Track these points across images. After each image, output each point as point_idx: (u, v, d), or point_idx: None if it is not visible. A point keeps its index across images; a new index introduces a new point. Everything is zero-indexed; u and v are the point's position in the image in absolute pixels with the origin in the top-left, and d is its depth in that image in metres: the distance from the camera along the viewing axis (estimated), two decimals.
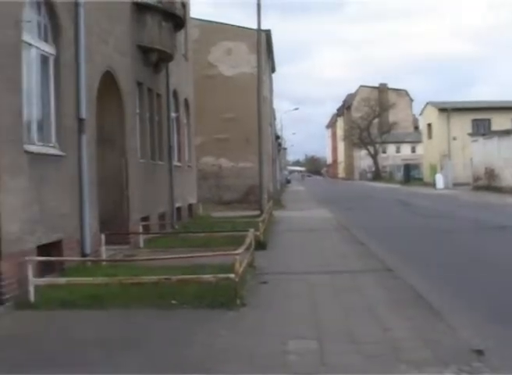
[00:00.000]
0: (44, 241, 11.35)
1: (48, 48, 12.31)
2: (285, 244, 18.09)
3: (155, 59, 19.98)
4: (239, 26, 41.08)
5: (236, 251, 10.17)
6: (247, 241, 12.15)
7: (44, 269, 11.09)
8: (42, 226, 11.23)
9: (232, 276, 9.61)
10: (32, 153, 10.96)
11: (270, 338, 7.74)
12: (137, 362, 6.90)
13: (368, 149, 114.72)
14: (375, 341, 7.50)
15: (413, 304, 9.56)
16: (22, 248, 10.27)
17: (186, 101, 27.61)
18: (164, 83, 22.27)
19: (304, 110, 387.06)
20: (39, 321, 9.14)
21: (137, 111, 18.99)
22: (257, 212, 26.38)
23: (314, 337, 7.72)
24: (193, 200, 28.40)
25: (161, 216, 21.06)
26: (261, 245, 15.82)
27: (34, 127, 11.63)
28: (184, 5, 26.56)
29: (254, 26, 29.91)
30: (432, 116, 72.45)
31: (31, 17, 11.70)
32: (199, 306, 9.44)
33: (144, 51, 19.23)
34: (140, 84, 19.14)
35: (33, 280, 10.01)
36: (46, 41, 12.29)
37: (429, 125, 74.71)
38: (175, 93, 24.66)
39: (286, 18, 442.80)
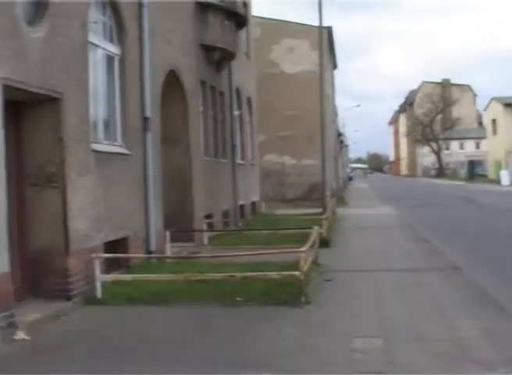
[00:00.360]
0: (111, 238, 11.52)
1: (113, 49, 12.49)
2: (348, 242, 18.00)
3: (218, 58, 20.08)
4: (300, 24, 40.90)
5: (302, 249, 10.16)
6: (312, 238, 12.10)
7: (110, 266, 11.27)
8: (109, 224, 11.39)
9: (297, 273, 9.59)
10: (99, 152, 11.15)
11: (335, 336, 7.72)
12: (203, 359, 6.94)
13: (430, 146, 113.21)
14: (441, 340, 7.40)
15: (480, 303, 9.40)
16: (89, 246, 10.44)
17: (248, 99, 27.71)
18: (226, 82, 22.38)
19: (366, 107, 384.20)
20: (106, 317, 9.31)
21: (201, 109, 19.12)
22: (320, 210, 26.27)
23: (379, 336, 7.67)
24: (256, 198, 28.49)
25: (225, 214, 21.17)
26: (324, 243, 15.75)
27: (101, 126, 11.84)
28: (246, 4, 26.61)
29: (316, 23, 29.80)
30: (497, 111, 71.22)
31: (97, 18, 11.90)
32: (264, 303, 9.47)
33: (207, 49, 19.33)
34: (203, 83, 19.28)
35: (100, 277, 10.21)
36: (111, 41, 12.48)
37: (494, 121, 73.48)
38: (237, 91, 24.77)
39: (347, 14, 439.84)
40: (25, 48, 8.82)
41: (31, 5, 9.40)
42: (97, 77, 11.73)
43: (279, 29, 39.89)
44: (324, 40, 32.60)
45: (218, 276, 10.24)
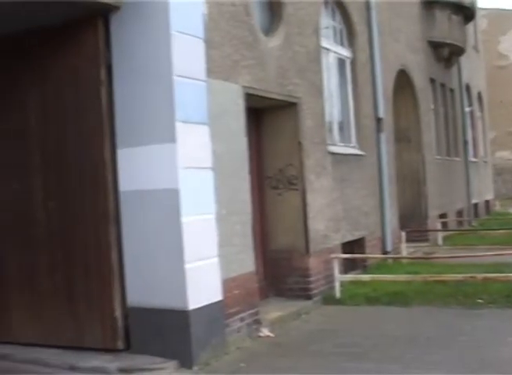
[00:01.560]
0: (348, 239, 11.68)
1: (344, 52, 12.67)
2: None
3: (447, 54, 19.66)
4: None
5: None
6: None
7: (347, 266, 11.43)
8: (346, 224, 11.57)
9: None
10: (335, 154, 11.35)
11: None
12: (447, 361, 6.81)
13: None
14: None
15: None
16: (328, 246, 10.66)
17: (479, 94, 26.90)
18: (456, 78, 21.86)
19: None
20: (346, 316, 9.46)
21: (432, 107, 18.88)
22: None
23: None
24: (489, 196, 27.58)
25: (458, 213, 20.72)
26: None
27: (336, 129, 12.02)
28: None
29: None
30: None
31: (327, 24, 12.15)
32: (506, 306, 9.16)
33: (435, 46, 19.00)
34: (432, 80, 18.99)
35: (339, 277, 10.38)
36: (342, 45, 12.66)
37: None
38: (467, 87, 24.12)
39: None
40: (263, 58, 9.21)
41: (266, 16, 9.85)
42: (330, 81, 11.95)
43: (507, 19, 38.31)
44: None
45: (458, 276, 10.00)
